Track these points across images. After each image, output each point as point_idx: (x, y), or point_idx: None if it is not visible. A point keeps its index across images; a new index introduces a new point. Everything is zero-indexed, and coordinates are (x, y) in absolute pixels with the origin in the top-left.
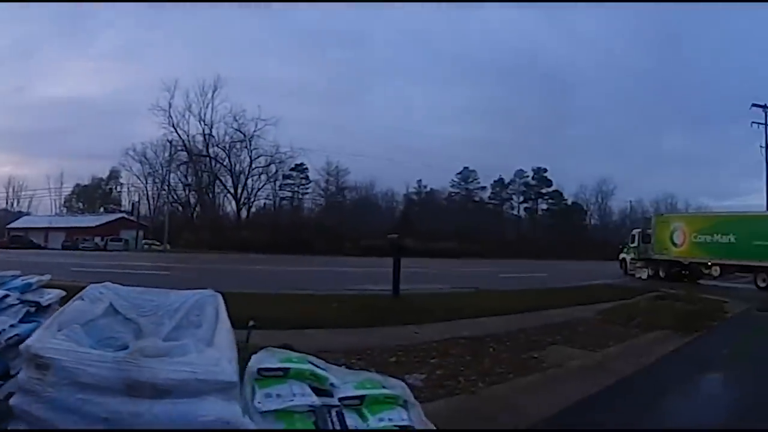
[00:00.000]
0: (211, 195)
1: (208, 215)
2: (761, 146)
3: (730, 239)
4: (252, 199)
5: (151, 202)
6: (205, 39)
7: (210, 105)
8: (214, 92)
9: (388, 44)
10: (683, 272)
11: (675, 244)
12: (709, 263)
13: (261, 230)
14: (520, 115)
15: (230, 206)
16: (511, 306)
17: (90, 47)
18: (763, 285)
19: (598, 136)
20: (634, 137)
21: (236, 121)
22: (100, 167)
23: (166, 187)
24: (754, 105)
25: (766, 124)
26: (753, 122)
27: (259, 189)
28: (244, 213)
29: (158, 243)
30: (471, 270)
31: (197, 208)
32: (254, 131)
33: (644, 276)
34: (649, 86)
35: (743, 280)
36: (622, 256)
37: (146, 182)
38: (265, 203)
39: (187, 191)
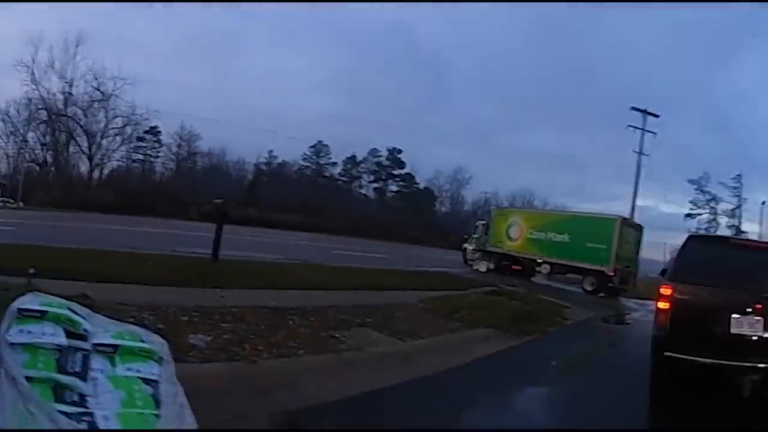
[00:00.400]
0: (65, 154)
1: (62, 175)
2: (634, 151)
3: (563, 239)
4: (105, 161)
5: (11, 161)
6: None
7: (72, 62)
8: (76, 48)
9: (253, 9)
10: (515, 267)
11: (510, 238)
12: (540, 260)
13: (111, 191)
14: (386, 94)
15: (85, 167)
16: (332, 282)
17: None
18: (589, 288)
19: (464, 124)
20: (502, 130)
21: (96, 79)
22: None
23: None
24: (633, 108)
25: (643, 128)
26: (629, 125)
27: (114, 150)
28: (97, 174)
29: (12, 201)
30: (310, 244)
31: (53, 168)
32: (113, 91)
33: (482, 269)
34: (525, 80)
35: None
36: (464, 246)
37: (7, 141)
38: (119, 165)
39: (44, 150)
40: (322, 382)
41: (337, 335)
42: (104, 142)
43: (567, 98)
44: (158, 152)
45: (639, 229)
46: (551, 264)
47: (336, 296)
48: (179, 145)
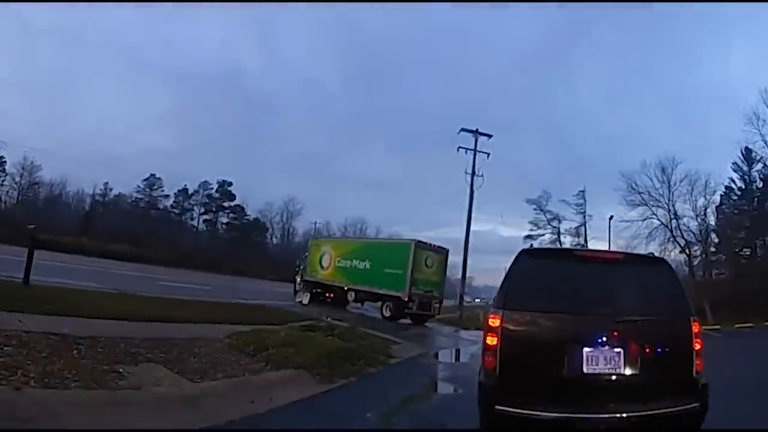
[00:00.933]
0: None
1: None
2: (466, 172)
3: (365, 266)
4: None
5: None
6: None
7: None
8: None
9: (96, 45)
10: (328, 295)
11: (322, 267)
12: (346, 288)
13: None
14: (217, 129)
15: None
16: (139, 312)
17: None
18: (387, 315)
19: (293, 155)
20: (333, 160)
21: None
22: None
23: None
24: (463, 130)
25: (474, 149)
26: (460, 147)
27: None
28: None
29: None
30: (137, 274)
31: None
32: None
33: (305, 300)
34: (351, 111)
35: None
36: (296, 278)
37: None
38: None
39: None
40: (83, 419)
41: (120, 370)
42: None
43: (398, 126)
44: (2, 181)
45: (441, 252)
46: (356, 291)
47: (137, 328)
48: (21, 175)
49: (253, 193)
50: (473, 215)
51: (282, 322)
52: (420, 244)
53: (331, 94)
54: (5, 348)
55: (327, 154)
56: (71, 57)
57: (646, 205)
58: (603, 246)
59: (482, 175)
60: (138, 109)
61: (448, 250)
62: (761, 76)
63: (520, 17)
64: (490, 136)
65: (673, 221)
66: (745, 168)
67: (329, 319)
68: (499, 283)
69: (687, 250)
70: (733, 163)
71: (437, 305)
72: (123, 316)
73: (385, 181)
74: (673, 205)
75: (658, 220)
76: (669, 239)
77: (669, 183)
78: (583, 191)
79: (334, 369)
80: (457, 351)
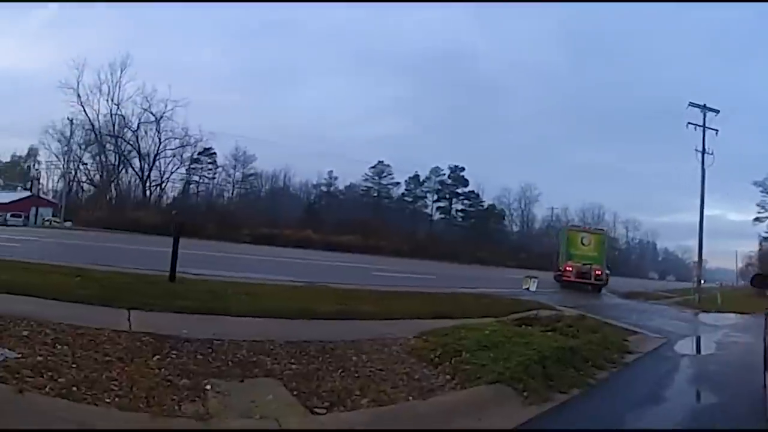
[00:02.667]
0: (115, 175)
1: (107, 196)
2: (696, 149)
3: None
4: (164, 182)
5: (67, 180)
6: (120, 16)
7: (119, 84)
8: (122, 71)
9: (316, 38)
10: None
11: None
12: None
13: (159, 212)
14: (448, 116)
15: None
16: (312, 307)
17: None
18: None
19: (529, 142)
20: (565, 147)
21: (147, 101)
22: (20, 145)
23: (75, 166)
24: (691, 104)
25: (704, 125)
26: (689, 123)
27: (172, 172)
28: (151, 194)
29: (58, 220)
30: (350, 265)
31: (103, 188)
32: (164, 112)
33: (533, 287)
34: (580, 95)
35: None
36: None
37: (63, 161)
38: (180, 187)
39: (96, 171)
40: None
41: (208, 387)
42: (160, 163)
43: (629, 111)
44: (214, 174)
45: (598, 232)
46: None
47: (290, 327)
48: (234, 167)
49: (486, 179)
50: (705, 201)
51: (501, 314)
52: (573, 228)
53: (560, 77)
54: (58, 347)
55: (559, 139)
56: (295, 50)
57: None
58: None
59: (712, 153)
60: (365, 99)
61: (604, 230)
62: None
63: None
64: (717, 111)
65: None
66: None
67: (559, 307)
68: (731, 265)
69: None
70: None
71: (599, 274)
72: (283, 313)
73: (620, 166)
74: None
75: None
76: None
77: None
78: None
79: (551, 379)
80: (702, 339)
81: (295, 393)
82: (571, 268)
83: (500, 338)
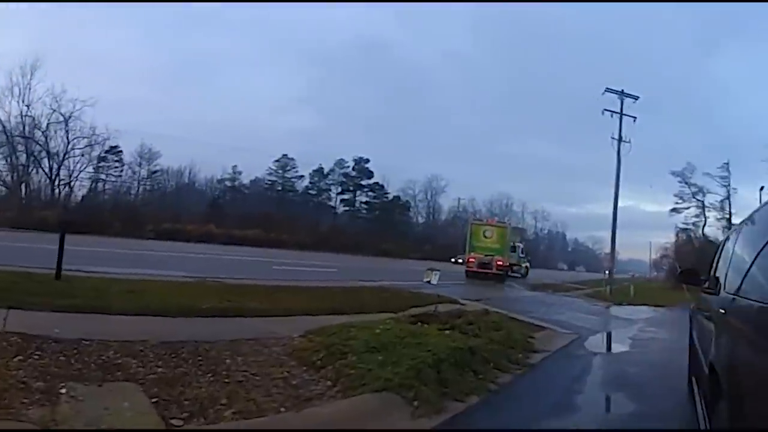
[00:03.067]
0: (25, 175)
1: (21, 195)
2: (612, 137)
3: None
4: (73, 181)
5: None
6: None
7: (29, 86)
8: (33, 72)
9: (226, 30)
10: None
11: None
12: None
13: (66, 211)
14: (361, 108)
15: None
16: (196, 304)
17: None
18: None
19: (440, 134)
20: (477, 138)
21: (56, 101)
22: None
23: None
24: (608, 90)
25: (621, 112)
26: (605, 110)
27: (80, 171)
28: (60, 194)
29: None
30: (250, 259)
31: (14, 188)
32: (72, 112)
33: (434, 280)
34: (499, 89)
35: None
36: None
37: None
38: (91, 185)
39: (7, 172)
40: None
41: (64, 390)
42: (68, 163)
43: (544, 102)
44: (120, 171)
45: (501, 225)
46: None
47: (170, 326)
48: (140, 164)
49: (395, 171)
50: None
51: (400, 309)
52: (476, 221)
53: (474, 67)
54: None
55: (471, 131)
56: (204, 44)
57: None
58: None
59: (629, 141)
60: (277, 92)
61: (506, 223)
62: None
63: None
64: (636, 97)
65: None
66: None
67: (463, 301)
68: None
69: None
70: None
71: (501, 265)
72: (165, 311)
73: (531, 157)
74: None
75: None
76: None
77: None
78: (727, 164)
79: (446, 385)
80: (616, 335)
81: (154, 400)
82: (473, 259)
83: (392, 338)
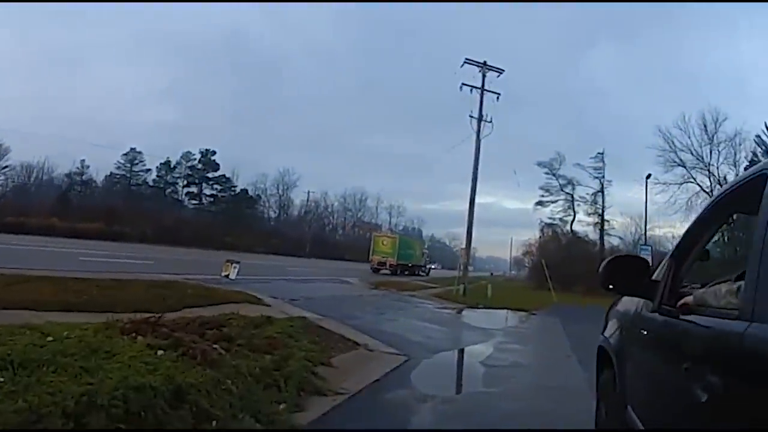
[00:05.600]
0: None
1: None
2: (471, 116)
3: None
4: None
5: None
6: None
7: None
8: None
9: (89, 20)
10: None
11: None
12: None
13: None
14: (211, 102)
15: None
16: None
17: None
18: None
19: (298, 127)
20: (335, 132)
21: None
22: None
23: None
24: (467, 62)
25: (482, 87)
26: (463, 84)
27: None
28: None
29: None
30: (60, 250)
31: None
32: None
33: (232, 275)
34: (350, 77)
35: None
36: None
37: None
38: None
39: None
40: None
41: None
42: None
43: (402, 95)
44: None
45: (393, 236)
46: None
47: None
48: None
49: (247, 165)
50: (478, 187)
51: (168, 309)
52: (376, 234)
53: (330, 60)
54: None
55: (325, 124)
56: (66, 35)
57: (684, 166)
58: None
59: (491, 121)
60: (130, 85)
61: (396, 235)
62: None
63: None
64: (501, 71)
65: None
66: None
67: (269, 300)
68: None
69: None
70: (756, 137)
71: (392, 264)
72: None
73: (385, 151)
74: (717, 169)
75: (698, 185)
76: None
77: (712, 142)
78: (601, 153)
79: None
80: (464, 357)
81: None
82: (375, 260)
83: (49, 354)
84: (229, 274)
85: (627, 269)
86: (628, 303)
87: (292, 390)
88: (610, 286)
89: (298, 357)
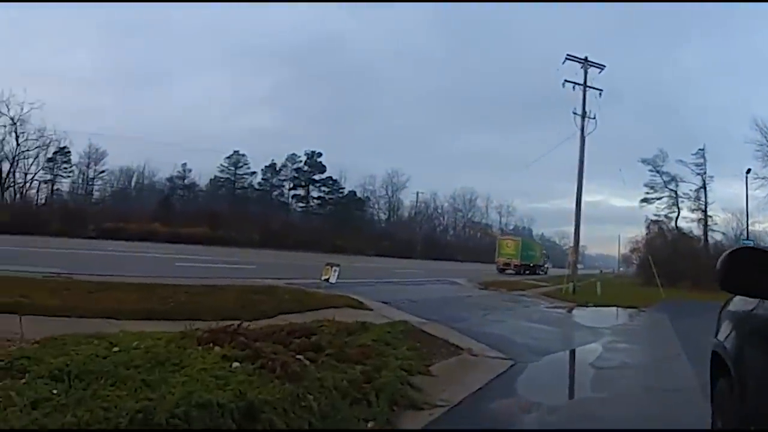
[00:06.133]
0: None
1: None
2: (575, 112)
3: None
4: (26, 184)
5: None
6: None
7: None
8: None
9: (184, 35)
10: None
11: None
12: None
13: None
14: (320, 106)
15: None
16: None
17: None
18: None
19: (402, 129)
20: (441, 133)
21: (6, 105)
22: None
23: None
24: (569, 58)
25: (584, 84)
26: (566, 81)
27: (35, 174)
28: (15, 195)
29: None
30: (161, 256)
31: None
32: (20, 115)
33: (333, 279)
34: (461, 84)
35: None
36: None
37: None
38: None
39: None
40: None
41: None
42: (22, 165)
43: (505, 96)
44: (69, 172)
45: (516, 238)
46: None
47: None
48: (88, 164)
49: (353, 167)
50: (585, 184)
51: (263, 315)
52: (501, 237)
53: (435, 63)
54: None
55: (434, 126)
56: (163, 49)
57: None
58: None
59: (594, 117)
60: (236, 93)
61: (519, 237)
62: None
63: None
64: (602, 66)
65: None
66: None
67: (373, 303)
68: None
69: None
70: None
71: (516, 265)
72: None
73: (495, 151)
74: None
75: None
76: None
77: None
78: (702, 149)
79: None
80: (579, 359)
81: None
82: (500, 261)
83: (110, 366)
84: (329, 278)
85: (753, 265)
86: (749, 301)
87: (383, 404)
88: (734, 287)
89: (393, 366)
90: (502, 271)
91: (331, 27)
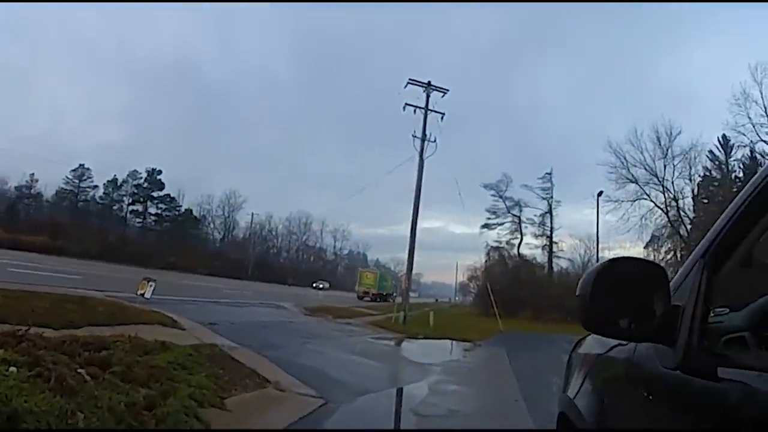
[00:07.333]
0: None
1: None
2: (414, 135)
3: None
4: None
5: None
6: None
7: None
8: None
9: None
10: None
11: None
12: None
13: None
14: (163, 124)
15: None
16: None
17: None
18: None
19: (237, 149)
20: (285, 155)
21: None
22: None
23: None
24: (411, 82)
25: (426, 107)
26: (407, 104)
27: None
28: None
29: None
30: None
31: None
32: None
33: (148, 294)
34: (299, 102)
35: None
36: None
37: None
38: None
39: None
40: None
41: None
42: None
43: (348, 119)
44: None
45: (375, 271)
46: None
47: None
48: None
49: (193, 186)
50: (425, 211)
51: (73, 326)
52: (362, 269)
53: (279, 83)
54: None
55: (272, 147)
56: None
57: (636, 182)
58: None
59: (435, 141)
60: (81, 104)
61: (377, 271)
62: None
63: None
64: (445, 91)
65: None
66: (722, 157)
67: (186, 324)
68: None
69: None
70: (708, 152)
71: (374, 294)
72: None
73: (331, 174)
74: (672, 184)
75: (652, 201)
76: (666, 226)
77: (665, 156)
78: (549, 173)
79: None
80: (392, 402)
81: None
82: (360, 290)
83: None
84: (144, 293)
85: (629, 290)
86: (609, 341)
87: None
88: (601, 328)
89: (183, 394)
90: (361, 298)
91: (188, 48)
